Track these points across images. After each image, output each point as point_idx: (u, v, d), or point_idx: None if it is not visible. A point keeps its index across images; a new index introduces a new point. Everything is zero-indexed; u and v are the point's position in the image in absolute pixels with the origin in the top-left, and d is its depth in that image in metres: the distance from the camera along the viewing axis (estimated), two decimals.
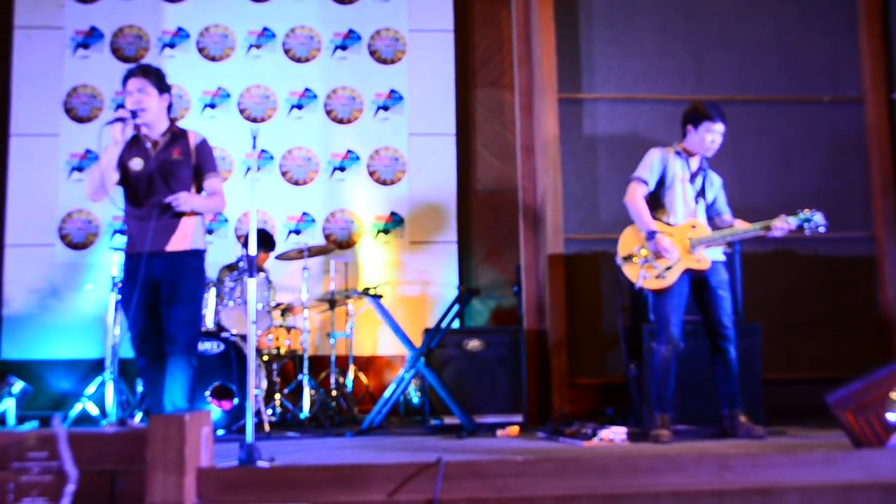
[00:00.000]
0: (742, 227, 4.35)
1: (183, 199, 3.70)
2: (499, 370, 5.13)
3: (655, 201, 4.37)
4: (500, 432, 4.67)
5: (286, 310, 5.66)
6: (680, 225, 4.30)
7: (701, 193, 4.40)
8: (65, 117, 6.51)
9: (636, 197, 4.33)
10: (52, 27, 6.57)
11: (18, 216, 6.38)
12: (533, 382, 5.52)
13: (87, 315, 6.22)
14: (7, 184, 6.41)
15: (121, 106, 3.77)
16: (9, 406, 5.68)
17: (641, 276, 4.23)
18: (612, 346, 5.58)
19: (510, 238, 6.36)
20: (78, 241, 6.41)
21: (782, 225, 4.21)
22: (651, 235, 4.20)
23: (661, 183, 4.36)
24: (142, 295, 3.67)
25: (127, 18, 6.64)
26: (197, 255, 3.84)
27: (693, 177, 4.40)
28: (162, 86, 3.83)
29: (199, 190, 3.90)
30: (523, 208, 6.10)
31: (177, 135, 3.87)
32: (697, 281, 4.29)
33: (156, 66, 3.90)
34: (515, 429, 4.74)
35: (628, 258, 4.31)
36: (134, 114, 3.70)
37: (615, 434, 4.09)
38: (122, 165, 3.77)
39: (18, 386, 5.81)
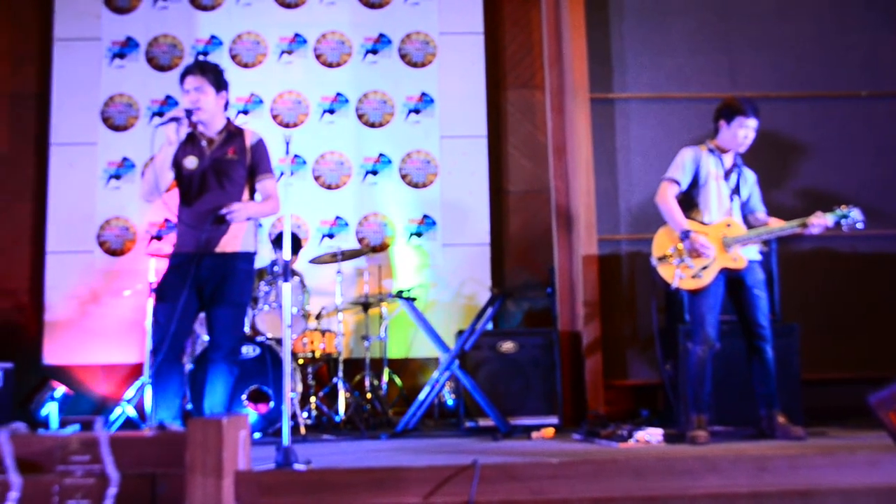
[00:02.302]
0: (778, 224, 4.29)
1: (238, 211, 3.63)
2: (533, 372, 5.12)
3: (689, 201, 4.33)
4: (535, 434, 4.66)
5: (320, 313, 5.70)
6: (715, 224, 4.26)
7: (735, 191, 4.35)
8: (102, 126, 6.62)
9: (667, 197, 4.30)
10: (90, 38, 6.69)
11: (59, 224, 6.51)
12: (567, 384, 5.50)
13: (125, 320, 6.32)
14: (48, 192, 6.54)
15: (175, 105, 3.72)
16: (52, 410, 5.79)
17: (677, 275, 4.20)
18: (647, 347, 5.54)
19: (543, 239, 6.34)
20: (116, 247, 6.51)
21: (819, 222, 4.15)
22: (685, 235, 4.17)
23: (695, 182, 4.32)
24: (184, 295, 3.57)
25: (161, 28, 6.74)
26: (247, 259, 3.76)
27: (727, 174, 4.35)
28: (219, 83, 3.77)
29: (253, 189, 3.83)
30: (556, 209, 6.08)
31: (233, 133, 3.81)
32: (733, 280, 4.24)
33: (213, 63, 3.81)
34: (551, 431, 4.73)
35: (663, 258, 4.27)
36: (188, 113, 3.65)
37: (651, 435, 4.05)
38: (177, 163, 3.72)
39: (60, 390, 5.92)
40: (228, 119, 3.85)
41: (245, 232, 3.75)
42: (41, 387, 5.94)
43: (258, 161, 3.80)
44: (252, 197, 3.82)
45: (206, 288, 3.63)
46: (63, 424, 5.76)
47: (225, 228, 3.67)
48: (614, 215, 5.78)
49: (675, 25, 5.97)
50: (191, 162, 3.72)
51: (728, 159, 4.38)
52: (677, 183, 4.31)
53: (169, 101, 6.56)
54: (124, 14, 6.74)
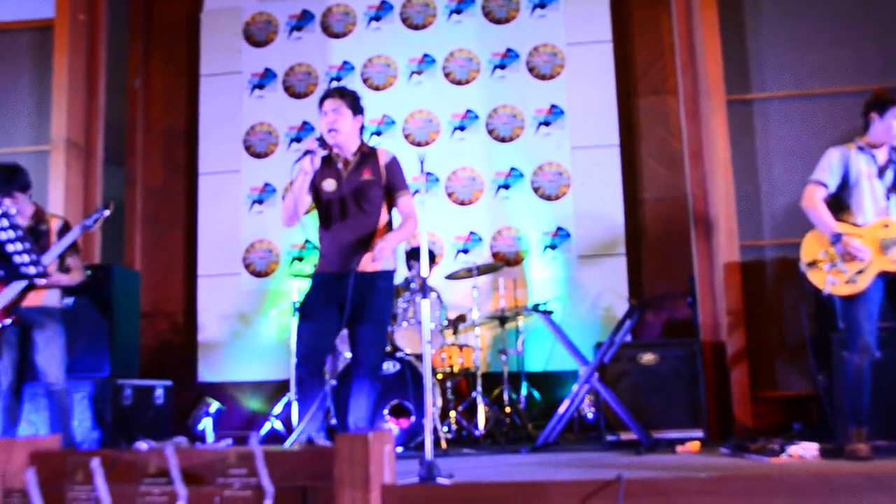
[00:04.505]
0: None
1: (381, 250, 3.66)
2: (675, 384, 4.98)
3: (839, 203, 4.10)
4: (679, 448, 4.52)
5: (458, 328, 5.75)
6: (870, 225, 4.02)
7: (892, 189, 4.08)
8: (245, 154, 6.96)
9: (814, 200, 4.08)
10: (232, 72, 7.06)
11: (208, 248, 6.89)
12: (712, 396, 5.32)
13: (271, 339, 6.59)
14: (198, 220, 6.92)
15: (312, 131, 3.80)
16: (207, 424, 6.11)
17: (829, 281, 3.98)
18: (797, 357, 5.29)
19: (681, 248, 6.17)
20: (261, 269, 6.81)
21: None
22: (836, 238, 3.95)
23: (845, 183, 4.08)
24: (327, 312, 3.68)
25: (297, 57, 7.03)
26: (387, 277, 3.82)
27: (881, 171, 4.09)
28: (356, 107, 3.87)
29: (391, 207, 3.90)
30: (694, 216, 5.91)
31: (367, 154, 3.89)
32: (893, 284, 3.98)
33: (351, 90, 3.94)
34: (696, 444, 4.57)
35: (813, 264, 4.06)
36: (321, 142, 3.76)
37: (805, 450, 3.85)
38: (315, 187, 3.84)
39: (214, 406, 6.24)
40: (362, 141, 3.95)
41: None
42: (197, 403, 6.29)
43: (394, 179, 3.87)
44: (389, 213, 3.90)
45: (349, 306, 3.72)
46: (217, 438, 6.07)
47: (365, 249, 3.73)
48: (756, 221, 5.56)
49: (815, 15, 5.68)
50: (329, 185, 3.83)
51: (881, 155, 4.12)
52: (824, 185, 4.09)
53: (306, 127, 6.83)
54: (262, 47, 7.08)
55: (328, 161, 3.88)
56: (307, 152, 3.71)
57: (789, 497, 2.51)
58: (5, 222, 3.63)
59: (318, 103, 3.89)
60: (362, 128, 3.95)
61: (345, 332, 3.83)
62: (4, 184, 4.28)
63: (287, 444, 3.78)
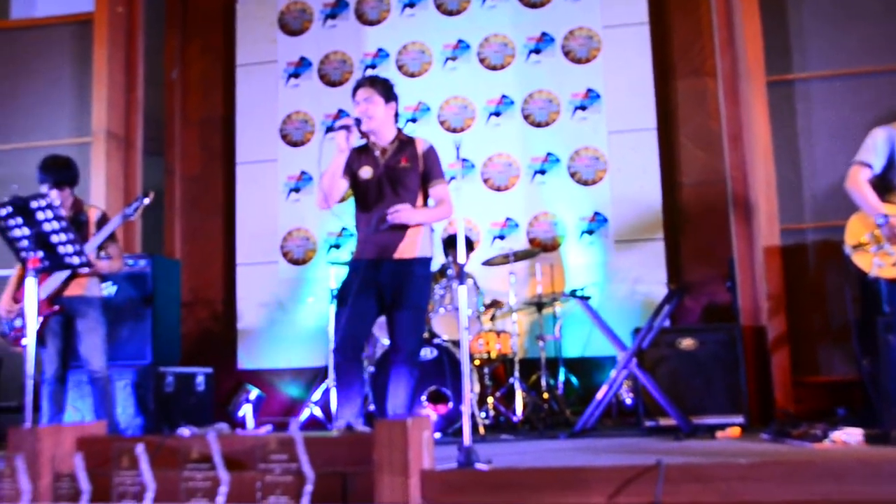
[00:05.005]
0: None
1: (401, 214, 3.69)
2: (715, 369, 4.93)
3: (886, 184, 4.01)
4: (720, 434, 4.48)
5: (494, 314, 5.75)
6: None
7: None
8: (281, 143, 7.01)
9: (859, 181, 4.00)
10: (268, 61, 7.10)
11: (246, 237, 6.96)
12: (753, 381, 5.26)
13: (309, 326, 6.65)
14: (236, 208, 6.99)
15: (345, 115, 3.80)
16: (247, 411, 6.19)
17: (875, 264, 3.90)
18: (840, 341, 5.19)
19: (720, 231, 6.09)
20: (298, 257, 6.86)
21: None
22: (883, 220, 3.87)
23: (891, 164, 3.99)
24: (364, 299, 3.68)
25: (332, 45, 7.05)
26: (424, 264, 3.82)
27: None
28: (388, 95, 3.85)
29: (427, 195, 3.89)
30: (734, 200, 5.82)
31: (404, 142, 3.89)
32: None
33: (383, 77, 3.94)
34: (737, 430, 4.53)
35: (858, 246, 3.99)
36: (358, 121, 3.75)
37: (849, 436, 3.79)
38: (353, 174, 3.85)
39: (254, 393, 6.32)
40: (399, 129, 3.95)
41: (422, 237, 3.81)
42: (237, 390, 6.37)
43: (430, 167, 3.86)
44: (426, 203, 3.90)
45: (387, 293, 3.73)
46: (257, 425, 6.15)
47: (402, 235, 3.75)
48: (798, 203, 5.46)
49: None
50: (366, 172, 3.84)
51: None
52: (869, 166, 4.01)
53: (341, 115, 6.85)
54: (297, 36, 7.11)
55: (365, 150, 3.89)
56: (343, 127, 3.69)
57: (833, 484, 2.47)
58: (49, 213, 3.69)
59: (351, 93, 3.90)
60: (397, 114, 3.94)
61: (382, 318, 3.85)
62: (59, 177, 4.37)
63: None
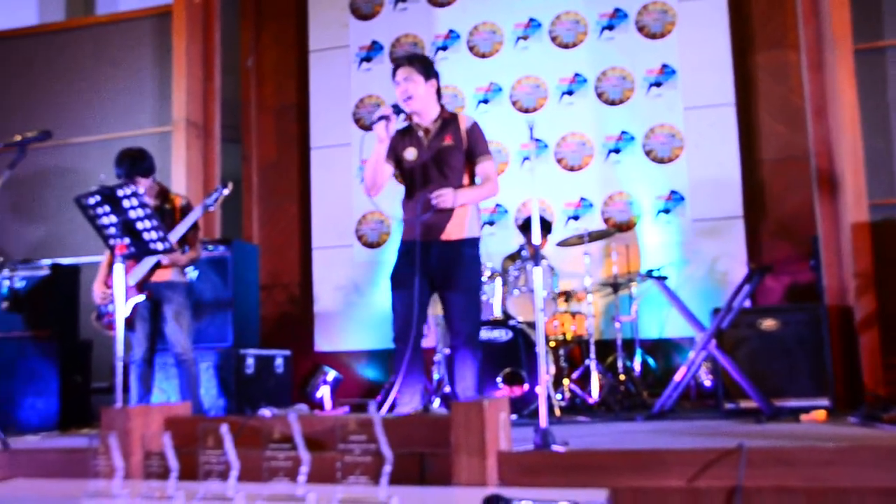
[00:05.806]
0: None
1: (445, 198, 3.65)
2: (798, 350, 4.79)
3: None
4: (804, 417, 4.36)
5: (570, 296, 5.70)
6: None
7: None
8: (354, 127, 7.07)
9: None
10: (340, 46, 7.16)
11: (322, 221, 7.06)
12: (839, 363, 5.10)
13: (384, 309, 6.69)
14: (311, 193, 7.10)
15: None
16: (325, 392, 6.30)
17: None
18: None
19: (803, 209, 5.90)
20: (372, 240, 6.93)
21: None
22: None
23: None
24: (417, 283, 3.63)
25: (403, 28, 7.06)
26: (472, 244, 3.79)
27: None
28: (428, 72, 3.81)
29: (473, 173, 3.86)
30: (817, 175, 5.62)
31: (447, 120, 3.85)
32: None
33: (421, 54, 3.93)
34: (822, 413, 4.39)
35: None
36: (396, 109, 3.74)
37: None
38: (397, 157, 3.85)
39: (331, 375, 6.43)
40: (442, 106, 3.91)
41: (469, 218, 3.79)
42: (315, 371, 6.49)
43: (475, 144, 3.81)
44: (472, 181, 3.87)
45: (437, 276, 3.72)
46: (335, 406, 6.26)
47: (448, 216, 3.72)
48: (888, 178, 5.25)
49: None
50: (410, 153, 3.83)
51: None
52: None
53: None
54: (369, 20, 7.14)
55: (409, 131, 3.88)
56: (381, 118, 3.68)
57: None
58: (135, 201, 3.81)
59: (392, 74, 3.88)
60: (439, 91, 3.89)
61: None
62: (132, 168, 4.50)
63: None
